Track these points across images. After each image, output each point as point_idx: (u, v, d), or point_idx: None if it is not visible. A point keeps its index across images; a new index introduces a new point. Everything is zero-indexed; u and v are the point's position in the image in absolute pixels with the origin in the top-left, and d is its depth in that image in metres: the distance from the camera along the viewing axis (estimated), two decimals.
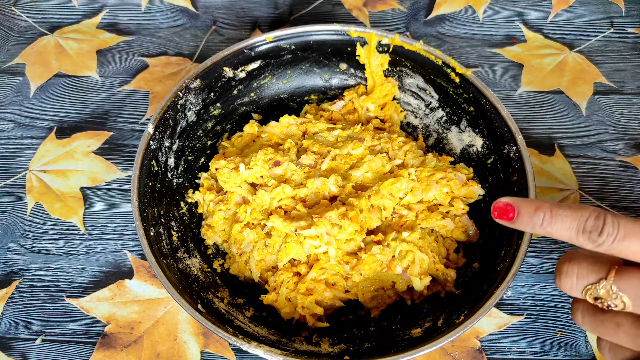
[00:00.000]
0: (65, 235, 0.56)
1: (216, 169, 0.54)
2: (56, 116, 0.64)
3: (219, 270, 0.52)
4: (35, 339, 0.50)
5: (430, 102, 0.59)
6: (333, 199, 0.52)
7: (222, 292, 0.50)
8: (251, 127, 0.57)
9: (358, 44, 0.58)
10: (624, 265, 0.35)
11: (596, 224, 0.34)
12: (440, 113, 0.58)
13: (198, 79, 0.55)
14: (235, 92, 0.59)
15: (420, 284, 0.48)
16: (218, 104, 0.58)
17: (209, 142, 0.58)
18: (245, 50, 0.57)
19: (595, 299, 0.36)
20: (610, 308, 0.35)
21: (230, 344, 0.51)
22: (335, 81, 0.62)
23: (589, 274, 0.36)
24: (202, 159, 0.58)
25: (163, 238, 0.49)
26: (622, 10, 0.73)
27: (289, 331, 0.48)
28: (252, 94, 0.60)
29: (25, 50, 0.69)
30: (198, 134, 0.57)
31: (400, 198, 0.51)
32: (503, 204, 0.38)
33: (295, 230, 0.48)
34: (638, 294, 0.34)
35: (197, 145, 0.57)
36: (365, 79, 0.61)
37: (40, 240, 0.56)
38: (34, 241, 0.55)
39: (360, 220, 0.49)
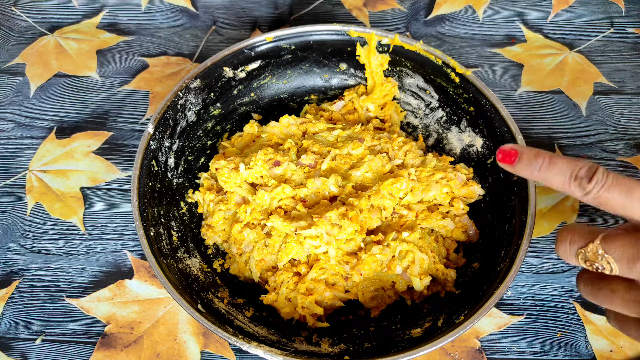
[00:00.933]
0: (65, 235, 0.56)
1: (216, 169, 0.54)
2: (56, 116, 0.64)
3: (219, 270, 0.52)
4: (35, 339, 0.50)
5: (430, 102, 0.59)
6: (333, 199, 0.52)
7: (222, 292, 0.50)
8: (251, 127, 0.57)
9: (358, 44, 0.58)
10: (612, 230, 0.37)
11: (588, 172, 0.36)
12: (440, 113, 0.58)
13: (198, 79, 0.55)
14: (235, 92, 0.59)
15: (420, 284, 0.48)
16: (218, 104, 0.58)
17: (209, 142, 0.58)
18: (245, 50, 0.57)
19: (585, 261, 0.38)
20: (599, 270, 0.37)
21: (230, 344, 0.51)
22: (335, 81, 0.62)
23: (580, 239, 0.38)
24: (202, 159, 0.58)
25: (163, 238, 0.49)
26: (622, 10, 0.73)
27: (289, 331, 0.48)
28: (252, 94, 0.60)
29: (25, 50, 0.69)
30: (198, 134, 0.57)
31: (400, 198, 0.51)
32: (508, 148, 0.40)
33: (295, 230, 0.48)
34: (621, 256, 0.36)
35: (197, 145, 0.57)
36: (365, 79, 0.61)
37: (40, 240, 0.56)
38: (34, 241, 0.55)
39: (360, 220, 0.49)
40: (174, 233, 0.51)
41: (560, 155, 0.38)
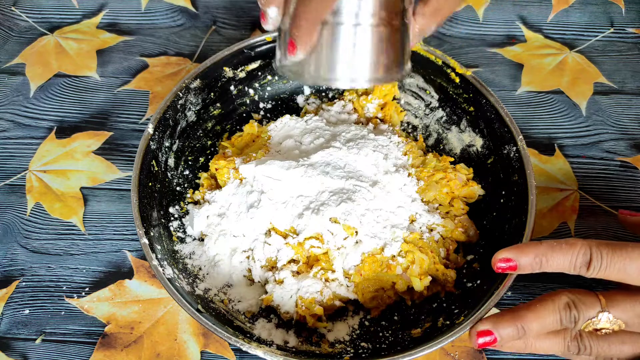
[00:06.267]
0: (65, 235, 0.56)
1: (216, 169, 0.54)
2: (56, 116, 0.64)
3: None
4: (35, 339, 0.50)
5: (430, 102, 0.59)
6: None
7: None
8: (251, 127, 0.57)
9: None
10: (608, 292, 0.41)
11: (583, 261, 0.40)
12: (440, 113, 0.58)
13: (198, 79, 0.55)
14: (235, 92, 0.59)
15: (420, 284, 0.48)
16: (218, 104, 0.58)
17: (209, 142, 0.58)
18: (245, 50, 0.57)
19: (595, 330, 0.41)
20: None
21: (230, 344, 0.51)
22: None
23: (586, 309, 0.41)
24: (202, 159, 0.58)
25: (163, 238, 0.49)
26: (622, 10, 0.73)
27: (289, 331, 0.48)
28: (252, 94, 0.60)
29: (25, 50, 0.69)
30: (198, 134, 0.57)
31: None
32: (505, 265, 0.42)
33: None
34: (631, 317, 0.40)
35: (197, 145, 0.57)
36: None
37: (40, 240, 0.56)
38: (34, 241, 0.55)
39: None
40: (174, 233, 0.51)
41: (555, 248, 0.41)
